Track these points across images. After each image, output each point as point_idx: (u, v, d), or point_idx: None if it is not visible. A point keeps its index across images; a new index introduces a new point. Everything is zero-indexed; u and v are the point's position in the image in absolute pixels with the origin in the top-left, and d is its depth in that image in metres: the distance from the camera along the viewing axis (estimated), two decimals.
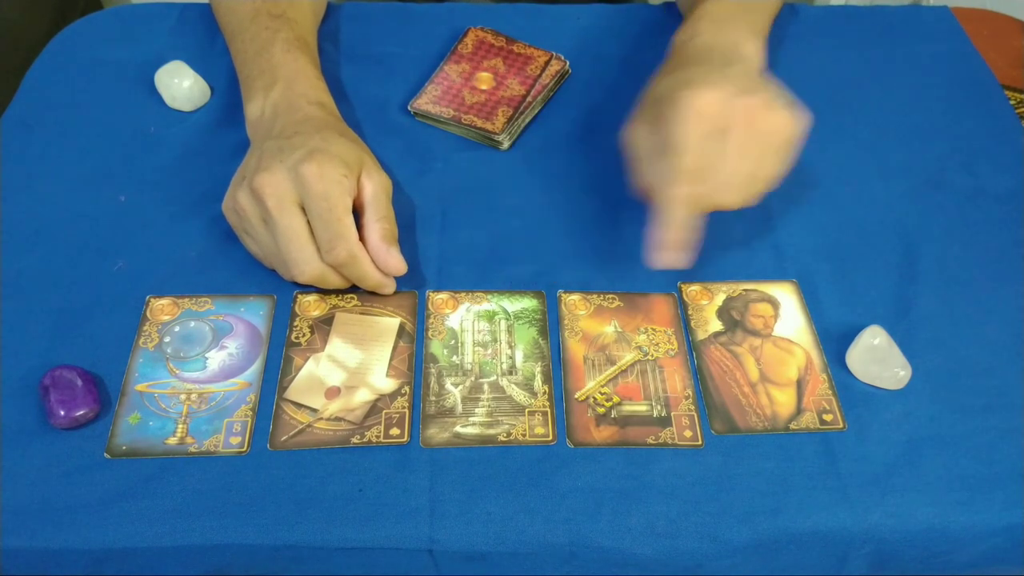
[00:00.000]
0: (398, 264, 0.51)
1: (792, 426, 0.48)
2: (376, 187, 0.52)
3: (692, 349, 0.51)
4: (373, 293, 0.53)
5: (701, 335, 0.52)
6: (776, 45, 0.71)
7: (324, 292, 0.53)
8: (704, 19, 0.58)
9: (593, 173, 0.61)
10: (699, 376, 0.50)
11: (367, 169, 0.52)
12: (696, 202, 0.49)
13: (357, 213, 0.51)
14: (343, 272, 0.50)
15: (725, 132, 0.48)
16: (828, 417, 0.48)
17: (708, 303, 0.53)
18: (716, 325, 0.52)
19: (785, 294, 0.54)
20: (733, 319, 0.53)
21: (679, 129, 0.48)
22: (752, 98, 0.49)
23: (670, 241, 0.49)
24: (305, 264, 0.49)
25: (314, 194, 0.48)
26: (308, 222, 0.49)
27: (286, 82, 0.56)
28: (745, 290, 0.54)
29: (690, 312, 0.53)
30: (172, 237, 0.55)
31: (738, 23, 0.58)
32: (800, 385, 0.50)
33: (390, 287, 0.52)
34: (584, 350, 0.51)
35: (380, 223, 0.51)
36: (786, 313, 0.53)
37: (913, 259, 0.56)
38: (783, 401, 0.49)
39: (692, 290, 0.54)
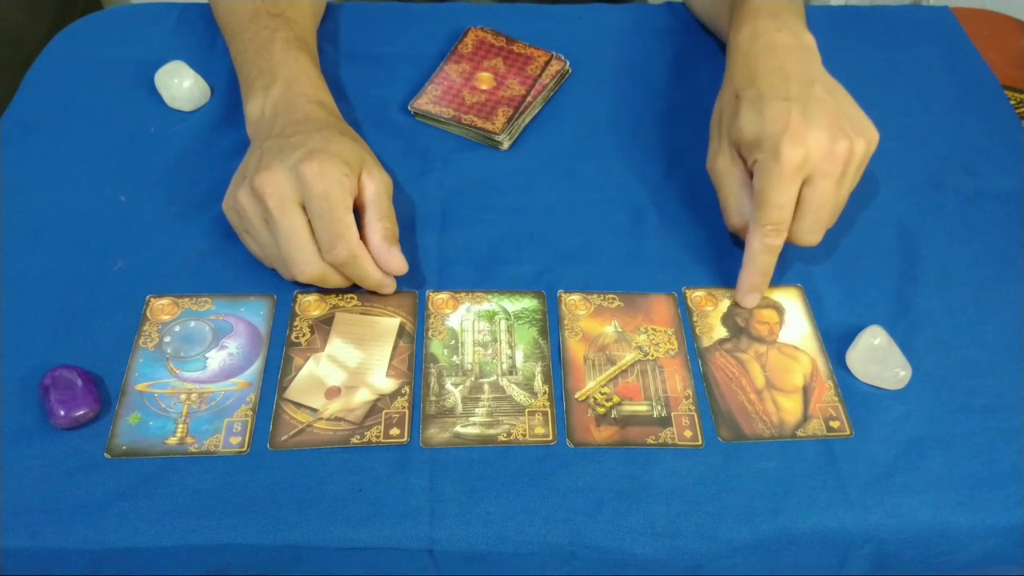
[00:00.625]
0: (399, 264, 0.51)
1: (799, 433, 0.47)
2: (377, 186, 0.52)
3: (697, 356, 0.51)
4: (374, 293, 0.53)
5: (706, 342, 0.52)
6: None
7: (324, 292, 0.53)
8: (761, 15, 0.57)
9: (593, 173, 0.61)
10: (705, 383, 0.50)
11: (368, 168, 0.52)
12: (776, 250, 0.51)
13: (358, 212, 0.51)
14: (344, 271, 0.50)
15: (813, 180, 0.50)
16: (835, 424, 0.48)
17: (712, 309, 0.53)
18: (721, 332, 0.52)
19: (790, 300, 0.54)
20: (738, 325, 0.52)
21: (772, 184, 0.49)
22: (842, 140, 0.49)
23: (755, 284, 0.52)
24: (306, 264, 0.49)
25: (315, 194, 0.48)
26: (309, 222, 0.49)
27: (285, 81, 0.56)
28: None
29: (695, 319, 0.53)
30: (172, 237, 0.55)
31: (791, 15, 0.57)
32: (806, 392, 0.49)
33: (390, 287, 0.52)
34: (584, 350, 0.51)
35: (381, 222, 0.51)
36: (791, 319, 0.53)
37: (913, 259, 0.56)
38: (789, 408, 0.49)
39: (696, 296, 0.54)
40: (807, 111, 0.50)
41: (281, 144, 0.51)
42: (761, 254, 0.51)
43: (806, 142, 0.49)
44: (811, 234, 0.51)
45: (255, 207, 0.49)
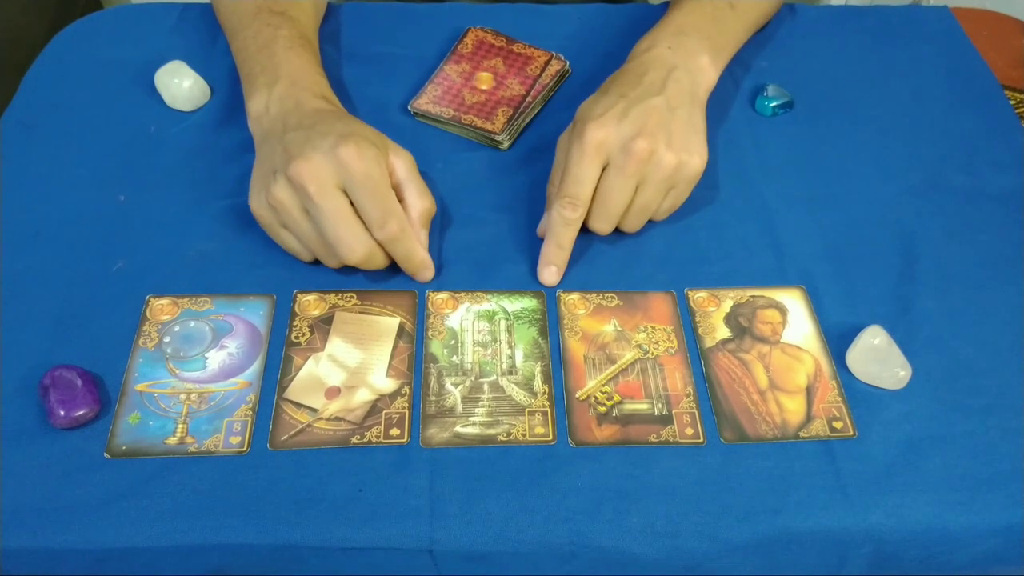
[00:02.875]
0: (425, 255, 0.53)
1: (802, 434, 0.47)
2: (406, 164, 0.53)
3: (700, 356, 0.51)
4: (376, 291, 0.53)
5: (709, 342, 0.52)
6: (776, 45, 0.71)
7: (324, 291, 0.53)
8: (668, 27, 0.60)
9: None
10: (708, 383, 0.49)
11: (392, 148, 0.53)
12: (573, 224, 0.52)
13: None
14: (391, 248, 0.51)
15: (608, 170, 0.52)
16: (838, 424, 0.48)
17: (715, 310, 0.53)
18: (724, 332, 0.52)
19: (793, 300, 0.54)
20: (741, 326, 0.52)
21: (574, 157, 0.52)
22: (643, 140, 0.51)
23: (551, 256, 0.53)
24: (357, 243, 0.49)
25: (358, 174, 0.49)
26: (351, 204, 0.50)
27: (289, 78, 0.57)
28: (752, 296, 0.54)
29: (697, 319, 0.53)
30: (172, 237, 0.55)
31: (700, 36, 0.59)
32: (810, 392, 0.49)
33: (431, 270, 0.53)
34: (584, 349, 0.51)
35: (421, 200, 0.53)
36: (794, 319, 0.53)
37: (913, 259, 0.56)
38: (793, 408, 0.49)
39: (699, 297, 0.54)
40: (629, 110, 0.52)
41: (307, 134, 0.51)
42: (558, 225, 0.52)
43: (608, 130, 0.51)
44: (597, 221, 0.54)
45: (293, 197, 0.50)
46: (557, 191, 0.53)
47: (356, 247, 0.50)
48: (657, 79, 0.55)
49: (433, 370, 0.50)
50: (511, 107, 0.63)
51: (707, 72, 0.58)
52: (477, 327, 0.52)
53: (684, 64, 0.57)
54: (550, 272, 0.53)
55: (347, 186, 0.49)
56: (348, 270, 0.53)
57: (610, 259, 0.56)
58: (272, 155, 0.52)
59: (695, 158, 0.54)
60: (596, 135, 0.51)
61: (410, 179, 0.53)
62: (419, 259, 0.52)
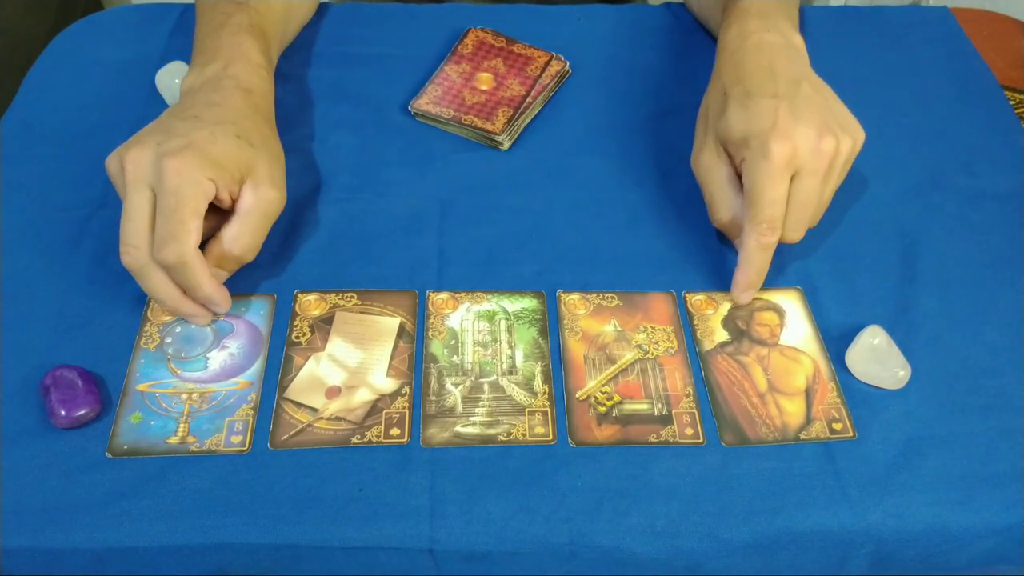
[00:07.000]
0: (211, 291, 0.49)
1: (802, 436, 0.47)
2: (252, 202, 0.50)
3: (699, 360, 0.51)
4: (376, 290, 0.53)
5: (708, 345, 0.52)
6: None
7: (324, 291, 0.53)
8: (750, 15, 0.58)
9: (593, 173, 0.61)
10: (707, 387, 0.49)
11: (254, 179, 0.50)
12: (772, 247, 0.51)
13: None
14: (172, 276, 0.48)
15: (799, 177, 0.50)
16: (838, 426, 0.48)
17: (713, 312, 0.53)
18: (722, 335, 0.52)
19: (790, 302, 0.54)
20: (739, 328, 0.52)
21: (763, 181, 0.49)
22: (828, 138, 0.50)
23: (751, 282, 0.52)
24: (133, 248, 0.47)
25: (165, 188, 0.46)
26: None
27: (223, 62, 0.56)
28: None
29: (695, 322, 0.53)
30: None
31: (780, 16, 0.58)
32: (809, 394, 0.49)
33: (220, 307, 0.50)
34: (584, 349, 0.51)
35: (230, 243, 0.50)
36: (792, 321, 0.53)
37: (913, 259, 0.56)
38: (792, 411, 0.49)
39: (697, 300, 0.54)
40: (794, 108, 0.50)
41: (172, 124, 0.50)
42: (757, 253, 0.51)
43: (793, 139, 0.49)
44: (793, 231, 0.51)
45: (119, 176, 0.48)
46: (750, 218, 0.50)
47: (131, 251, 0.47)
48: (785, 65, 0.54)
49: (433, 370, 0.50)
50: (511, 107, 0.63)
51: (803, 46, 0.57)
52: (477, 327, 0.52)
53: (789, 43, 0.56)
54: (749, 295, 0.53)
55: (156, 193, 0.47)
56: (349, 269, 0.53)
57: (610, 259, 0.56)
58: (152, 125, 0.51)
59: (860, 132, 0.52)
60: (784, 150, 0.49)
61: (247, 217, 0.50)
62: (201, 294, 0.48)
